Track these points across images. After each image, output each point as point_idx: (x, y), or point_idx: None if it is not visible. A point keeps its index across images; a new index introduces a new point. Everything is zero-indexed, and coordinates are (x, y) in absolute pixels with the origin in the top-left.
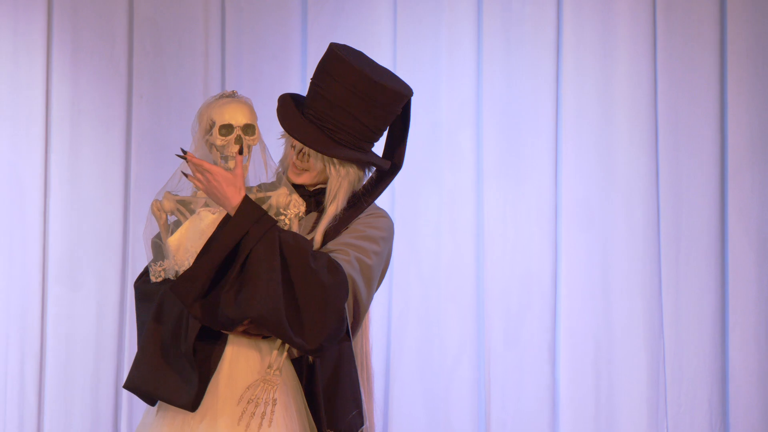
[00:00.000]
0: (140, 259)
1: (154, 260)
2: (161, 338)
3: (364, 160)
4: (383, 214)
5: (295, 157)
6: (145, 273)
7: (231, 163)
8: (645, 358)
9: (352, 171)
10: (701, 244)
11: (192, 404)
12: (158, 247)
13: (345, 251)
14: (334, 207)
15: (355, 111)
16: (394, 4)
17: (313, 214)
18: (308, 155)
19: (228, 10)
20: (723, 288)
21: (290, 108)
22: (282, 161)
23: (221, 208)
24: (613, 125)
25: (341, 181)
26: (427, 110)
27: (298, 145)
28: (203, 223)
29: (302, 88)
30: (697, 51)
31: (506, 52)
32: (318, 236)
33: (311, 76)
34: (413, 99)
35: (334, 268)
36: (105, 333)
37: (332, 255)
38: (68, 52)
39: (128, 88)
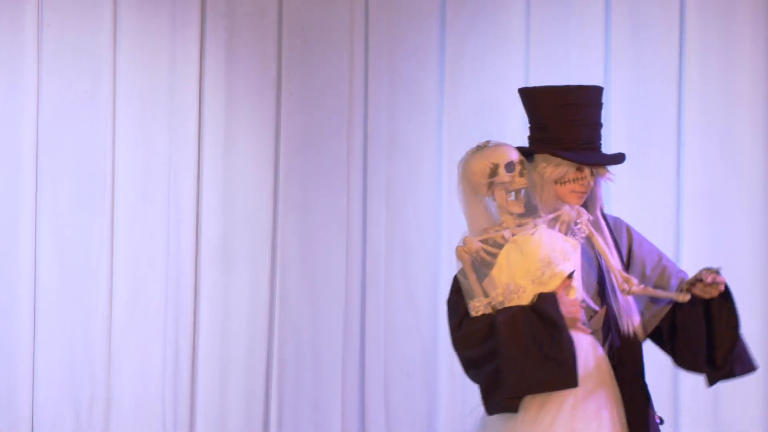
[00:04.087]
0: (289, 245)
1: (468, 299)
2: (524, 349)
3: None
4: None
5: (578, 186)
6: (457, 324)
7: (518, 196)
8: (764, 354)
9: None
10: None
11: (575, 381)
12: (467, 288)
13: None
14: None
15: (599, 118)
16: (527, 8)
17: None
18: (588, 177)
19: (371, 11)
20: None
21: (562, 152)
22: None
23: (532, 228)
24: (735, 119)
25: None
26: None
27: (587, 171)
28: (527, 247)
29: (439, 87)
30: None
31: (634, 52)
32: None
33: (534, 125)
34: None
35: None
36: (257, 315)
37: None
38: (222, 51)
39: (278, 85)
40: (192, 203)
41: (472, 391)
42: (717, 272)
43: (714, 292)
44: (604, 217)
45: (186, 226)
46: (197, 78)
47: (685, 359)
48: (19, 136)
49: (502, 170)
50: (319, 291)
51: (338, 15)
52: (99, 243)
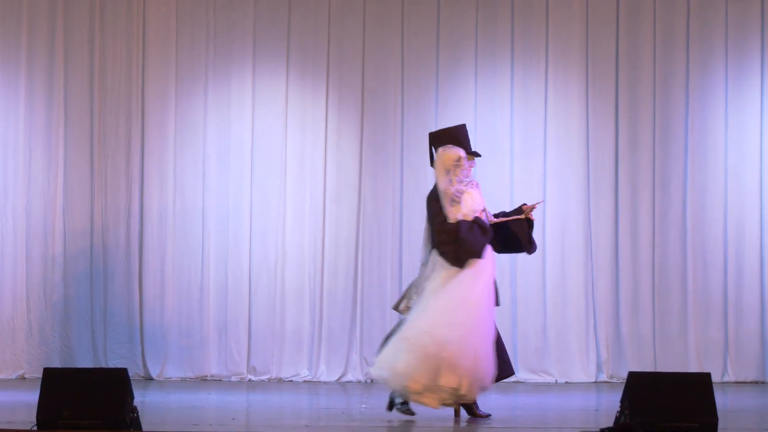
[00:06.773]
0: (366, 193)
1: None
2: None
3: None
4: None
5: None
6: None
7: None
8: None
9: None
10: None
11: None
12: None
13: None
14: None
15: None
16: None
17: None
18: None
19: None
20: None
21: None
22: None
23: (468, 188)
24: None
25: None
26: None
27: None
28: (471, 197)
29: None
30: None
31: (524, 111)
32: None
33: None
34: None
35: None
36: (347, 225)
37: None
38: (335, 110)
39: (361, 129)
40: (320, 170)
41: None
42: (532, 206)
43: (530, 216)
44: None
45: (317, 180)
46: (324, 124)
47: (511, 247)
48: (243, 144)
49: (462, 160)
50: (370, 215)
51: (389, 90)
52: (278, 191)
